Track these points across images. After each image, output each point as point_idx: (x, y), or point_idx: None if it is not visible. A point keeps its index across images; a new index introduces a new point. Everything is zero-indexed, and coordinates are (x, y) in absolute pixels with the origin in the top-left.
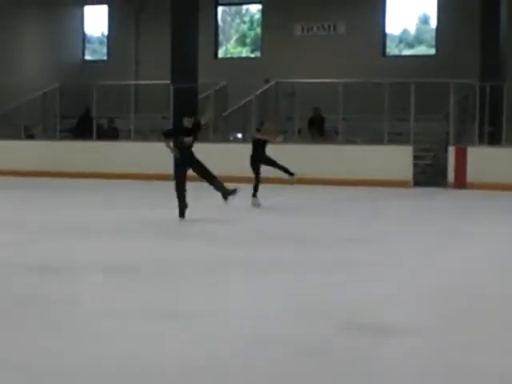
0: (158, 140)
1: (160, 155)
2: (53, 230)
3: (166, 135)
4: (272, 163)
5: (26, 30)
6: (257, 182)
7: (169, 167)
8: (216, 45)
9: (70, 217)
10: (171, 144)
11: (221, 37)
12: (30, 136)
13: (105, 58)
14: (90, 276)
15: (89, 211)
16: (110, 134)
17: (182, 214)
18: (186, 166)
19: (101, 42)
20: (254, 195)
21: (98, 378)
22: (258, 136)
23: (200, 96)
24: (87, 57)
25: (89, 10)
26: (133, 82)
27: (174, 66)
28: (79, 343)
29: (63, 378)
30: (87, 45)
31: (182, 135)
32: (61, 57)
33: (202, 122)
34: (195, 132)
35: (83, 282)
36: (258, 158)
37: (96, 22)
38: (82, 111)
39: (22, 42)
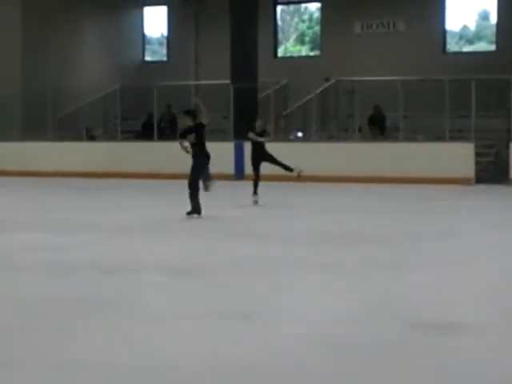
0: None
1: (220, 154)
2: (115, 230)
3: (181, 136)
4: (272, 160)
5: (86, 32)
6: (256, 179)
7: (229, 166)
8: (275, 44)
9: (132, 217)
10: (185, 144)
11: (280, 36)
12: (92, 137)
13: (164, 58)
14: (154, 276)
15: (151, 211)
16: (169, 134)
17: (199, 211)
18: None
19: (160, 43)
20: (255, 192)
21: (165, 376)
22: (250, 136)
23: (260, 95)
24: (147, 58)
25: (148, 12)
26: (193, 83)
27: (233, 66)
28: (147, 344)
29: (134, 377)
30: (147, 46)
31: (187, 134)
32: (121, 58)
33: (205, 123)
34: (199, 131)
35: (148, 282)
36: (257, 155)
37: (156, 23)
38: (145, 113)
39: (82, 45)
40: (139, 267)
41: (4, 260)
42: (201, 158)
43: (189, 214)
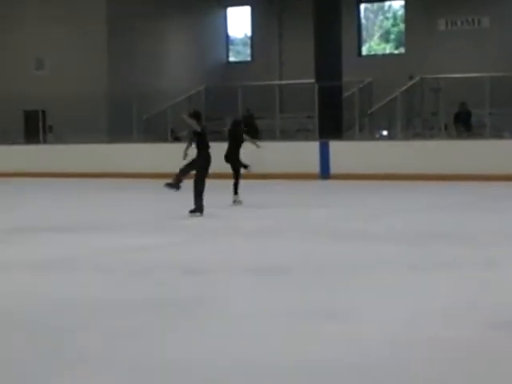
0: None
1: (305, 154)
2: (202, 231)
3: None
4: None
5: (170, 34)
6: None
7: (314, 166)
8: (359, 42)
9: (218, 217)
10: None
11: (364, 34)
12: (177, 139)
13: (248, 58)
14: (238, 277)
15: (236, 211)
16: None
17: (201, 211)
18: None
19: (244, 44)
20: (236, 192)
21: (247, 376)
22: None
23: (344, 94)
24: (231, 58)
25: (232, 12)
26: (277, 82)
27: (318, 65)
28: (231, 343)
29: (214, 376)
30: (231, 46)
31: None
32: (205, 59)
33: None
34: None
35: (231, 282)
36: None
37: (239, 23)
38: (229, 114)
39: (167, 47)
40: (222, 268)
41: (88, 262)
42: (201, 159)
43: (192, 212)
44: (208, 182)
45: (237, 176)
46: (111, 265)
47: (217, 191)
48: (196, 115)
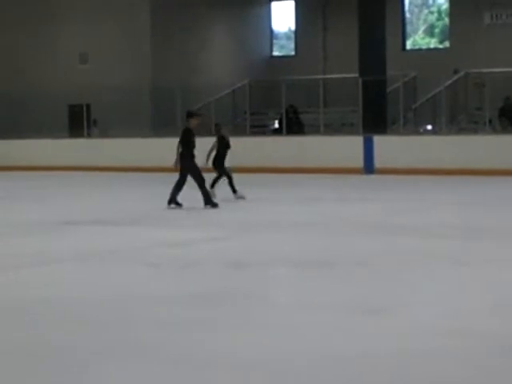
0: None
1: (349, 148)
2: (247, 226)
3: (181, 142)
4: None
5: (214, 28)
6: (229, 177)
7: (358, 161)
8: (404, 36)
9: (262, 212)
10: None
11: (408, 28)
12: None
13: (292, 53)
14: (284, 270)
15: (280, 206)
16: (295, 128)
17: (214, 204)
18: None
19: (288, 38)
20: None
21: (291, 369)
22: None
23: (389, 88)
24: (275, 53)
25: (276, 6)
26: (321, 77)
27: (362, 59)
28: (276, 336)
29: (258, 368)
30: (275, 41)
31: (191, 138)
32: (249, 54)
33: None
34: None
35: (278, 276)
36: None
37: (283, 17)
38: (273, 108)
39: (210, 41)
40: (267, 261)
41: (133, 255)
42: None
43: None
44: (242, 177)
45: (228, 175)
46: (155, 258)
47: (255, 186)
48: (189, 115)
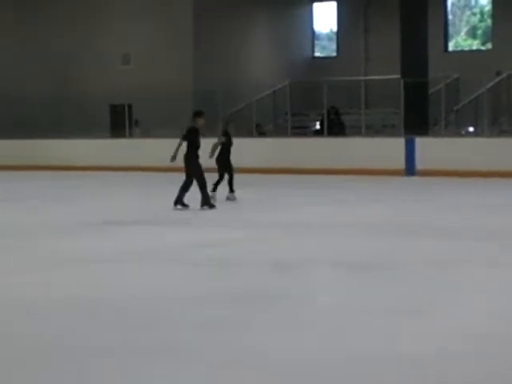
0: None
1: (390, 150)
2: (287, 226)
3: (183, 138)
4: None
5: (256, 29)
6: (220, 177)
7: (399, 162)
8: (446, 38)
9: (302, 213)
10: (181, 145)
11: (451, 29)
12: (262, 133)
13: (334, 54)
14: (331, 271)
15: (320, 207)
16: (336, 129)
17: (212, 203)
18: (199, 163)
19: (330, 39)
20: (231, 190)
21: (329, 370)
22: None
23: (431, 90)
24: (317, 53)
25: (318, 7)
26: (363, 78)
27: (403, 61)
28: (316, 337)
29: (295, 370)
30: (316, 42)
31: (196, 136)
32: (290, 54)
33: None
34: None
35: (324, 277)
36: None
37: (325, 18)
38: (314, 109)
39: (252, 41)
40: (308, 262)
41: (173, 255)
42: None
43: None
44: (283, 178)
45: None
46: (195, 259)
47: (295, 187)
48: (197, 114)
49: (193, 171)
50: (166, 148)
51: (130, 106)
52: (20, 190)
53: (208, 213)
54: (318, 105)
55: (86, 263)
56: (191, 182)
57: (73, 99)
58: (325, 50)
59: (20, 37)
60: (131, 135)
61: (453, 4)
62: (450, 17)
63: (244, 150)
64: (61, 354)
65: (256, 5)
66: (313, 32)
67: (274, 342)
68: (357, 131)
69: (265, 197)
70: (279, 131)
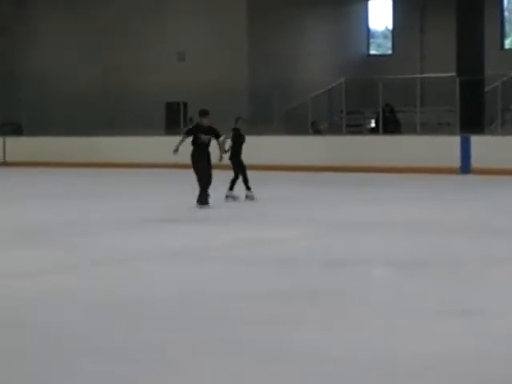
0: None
1: (446, 148)
2: (340, 225)
3: (186, 132)
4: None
5: (311, 26)
6: (236, 175)
7: (455, 160)
8: (502, 35)
9: (357, 212)
10: (183, 140)
11: (507, 27)
12: (317, 131)
13: (389, 51)
14: (380, 270)
15: (375, 205)
16: (392, 127)
17: (205, 202)
18: (204, 160)
19: (385, 37)
20: (231, 188)
21: (381, 370)
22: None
23: (487, 88)
24: (372, 51)
25: (373, 5)
26: (418, 76)
27: (459, 59)
28: (367, 336)
29: (340, 369)
30: (372, 39)
31: (199, 133)
32: (346, 52)
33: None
34: (212, 134)
35: (372, 276)
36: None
37: (380, 16)
38: (369, 107)
39: (307, 39)
40: (363, 261)
41: (227, 253)
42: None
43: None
44: (338, 176)
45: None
46: (248, 256)
47: (350, 185)
48: (204, 113)
49: (194, 168)
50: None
51: (185, 104)
52: (75, 187)
53: (262, 211)
54: (373, 103)
55: (139, 260)
56: (208, 179)
57: (130, 97)
58: (380, 47)
59: (76, 36)
60: None
61: (509, 2)
62: (506, 14)
63: (299, 148)
64: (106, 352)
65: (311, 3)
66: (368, 30)
67: (326, 340)
68: (412, 129)
69: (319, 195)
70: (334, 129)
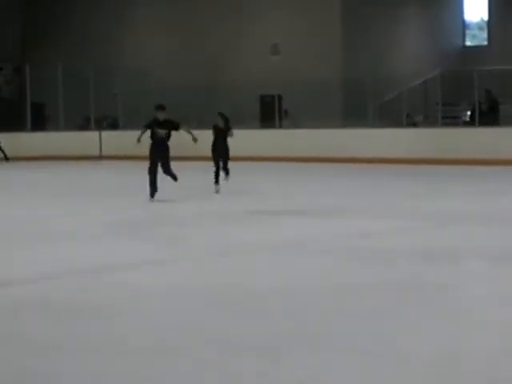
0: None
1: None
2: (436, 216)
3: (145, 126)
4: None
5: (406, 18)
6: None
7: None
8: None
9: (452, 204)
10: (143, 133)
11: None
12: (413, 124)
13: (485, 43)
14: (475, 263)
15: (468, 197)
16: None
17: (151, 195)
18: (157, 155)
19: (480, 28)
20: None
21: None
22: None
23: None
24: (467, 43)
25: None
26: None
27: None
28: (461, 331)
29: (431, 363)
30: (467, 31)
31: (155, 127)
32: (441, 44)
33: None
34: (169, 128)
35: (468, 269)
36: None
37: (475, 7)
38: (466, 99)
39: (402, 31)
40: (459, 254)
41: (328, 246)
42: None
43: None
44: (433, 168)
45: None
46: (348, 248)
47: (445, 177)
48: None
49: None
50: (314, 139)
51: (279, 97)
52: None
53: (364, 204)
54: (470, 94)
55: (239, 252)
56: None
57: (224, 90)
58: (475, 38)
59: (175, 28)
60: (280, 126)
61: None
62: None
63: (394, 140)
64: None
65: None
66: (463, 21)
67: (425, 332)
68: (510, 121)
69: (416, 187)
70: (430, 121)
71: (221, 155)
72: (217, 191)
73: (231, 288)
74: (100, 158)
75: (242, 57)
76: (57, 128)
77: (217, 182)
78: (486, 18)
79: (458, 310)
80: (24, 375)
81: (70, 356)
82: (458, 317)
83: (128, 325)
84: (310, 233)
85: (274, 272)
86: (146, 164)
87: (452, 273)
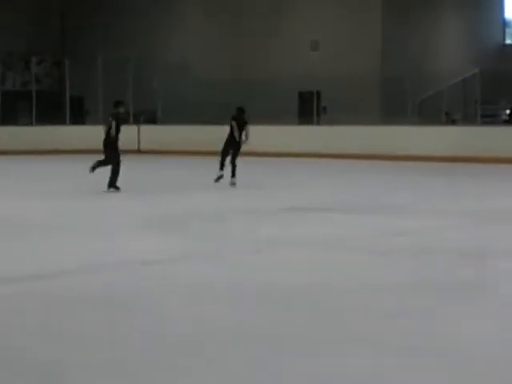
0: None
1: None
2: (474, 215)
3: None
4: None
5: (445, 16)
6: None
7: None
8: None
9: (486, 202)
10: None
11: None
12: (452, 121)
13: None
14: (507, 262)
15: (505, 197)
16: None
17: (116, 187)
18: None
19: None
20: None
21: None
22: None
23: None
24: (507, 41)
25: None
26: None
27: None
28: (498, 330)
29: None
30: (507, 29)
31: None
32: (480, 42)
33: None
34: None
35: (506, 268)
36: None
37: None
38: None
39: (441, 29)
40: (503, 253)
41: (365, 244)
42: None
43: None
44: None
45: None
46: (384, 246)
47: (485, 176)
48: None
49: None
50: (352, 135)
51: (318, 93)
52: (202, 177)
53: (394, 202)
54: (509, 93)
55: (274, 249)
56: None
57: (262, 85)
58: None
59: (215, 25)
60: (318, 122)
61: None
62: None
63: (433, 138)
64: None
65: None
66: (503, 19)
67: (463, 331)
68: None
69: (454, 185)
70: (469, 119)
71: (234, 147)
72: (232, 183)
73: (268, 285)
74: (138, 152)
75: (282, 53)
76: (96, 122)
77: (221, 168)
78: None
79: (497, 310)
80: (59, 368)
81: (110, 348)
82: (497, 317)
83: (166, 317)
84: (347, 230)
85: (311, 269)
86: (184, 159)
87: (490, 272)
